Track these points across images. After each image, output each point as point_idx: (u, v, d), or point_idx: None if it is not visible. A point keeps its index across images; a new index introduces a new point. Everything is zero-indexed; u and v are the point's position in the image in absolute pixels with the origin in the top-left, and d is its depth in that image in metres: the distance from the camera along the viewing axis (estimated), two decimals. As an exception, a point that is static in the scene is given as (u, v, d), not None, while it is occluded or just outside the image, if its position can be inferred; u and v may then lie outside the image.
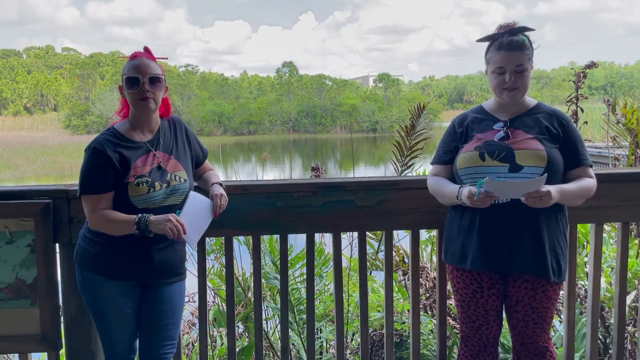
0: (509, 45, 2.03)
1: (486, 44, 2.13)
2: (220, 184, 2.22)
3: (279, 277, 2.75)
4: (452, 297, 2.36)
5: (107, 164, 1.96)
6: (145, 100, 2.02)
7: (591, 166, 2.12)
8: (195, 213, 2.05)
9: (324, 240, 3.90)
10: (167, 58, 2.13)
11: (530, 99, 2.16)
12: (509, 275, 2.12)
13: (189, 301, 3.62)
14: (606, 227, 3.47)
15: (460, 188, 2.06)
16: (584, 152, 2.10)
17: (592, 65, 4.13)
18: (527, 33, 2.07)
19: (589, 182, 2.08)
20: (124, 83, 2.03)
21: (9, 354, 3.10)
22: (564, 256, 2.10)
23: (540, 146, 2.02)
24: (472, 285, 2.15)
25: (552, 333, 2.82)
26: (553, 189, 1.94)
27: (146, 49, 2.10)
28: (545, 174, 1.93)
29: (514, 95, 2.07)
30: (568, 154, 2.07)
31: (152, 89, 2.02)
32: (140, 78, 2.00)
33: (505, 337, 2.89)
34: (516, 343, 2.21)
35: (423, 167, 4.15)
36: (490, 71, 2.10)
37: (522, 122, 2.09)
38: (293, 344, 3.20)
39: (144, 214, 1.95)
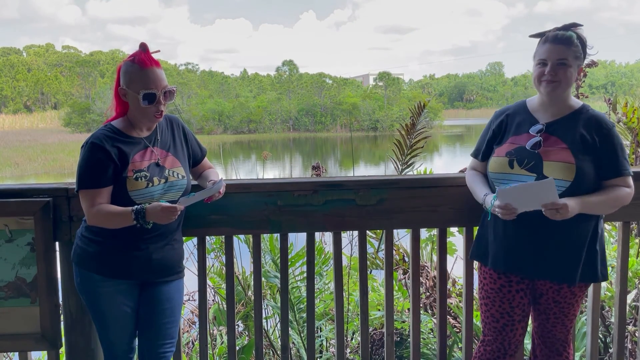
0: (554, 38, 2.00)
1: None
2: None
3: (279, 275, 2.75)
4: (453, 295, 2.36)
5: (106, 158, 1.95)
6: (160, 113, 2.01)
7: (631, 175, 2.01)
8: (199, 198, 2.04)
9: (324, 239, 3.90)
10: (159, 51, 2.04)
11: (577, 101, 2.08)
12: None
13: (189, 300, 3.62)
14: (607, 226, 3.46)
15: (484, 196, 2.07)
16: (622, 161, 1.99)
17: (592, 64, 4.10)
18: (581, 35, 2.01)
19: (622, 192, 1.98)
20: (140, 98, 1.95)
21: (8, 353, 3.10)
22: (601, 257, 2.05)
23: (570, 158, 1.95)
24: (500, 279, 2.14)
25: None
26: (572, 201, 1.90)
27: (145, 48, 1.99)
28: (552, 177, 1.89)
29: (553, 88, 1.99)
30: (603, 162, 1.98)
31: (165, 101, 2.01)
32: (157, 94, 1.97)
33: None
34: (536, 336, 2.22)
35: (423, 166, 4.16)
36: (534, 64, 2.05)
37: (559, 127, 2.02)
38: (293, 343, 3.20)
39: (141, 204, 1.94)
